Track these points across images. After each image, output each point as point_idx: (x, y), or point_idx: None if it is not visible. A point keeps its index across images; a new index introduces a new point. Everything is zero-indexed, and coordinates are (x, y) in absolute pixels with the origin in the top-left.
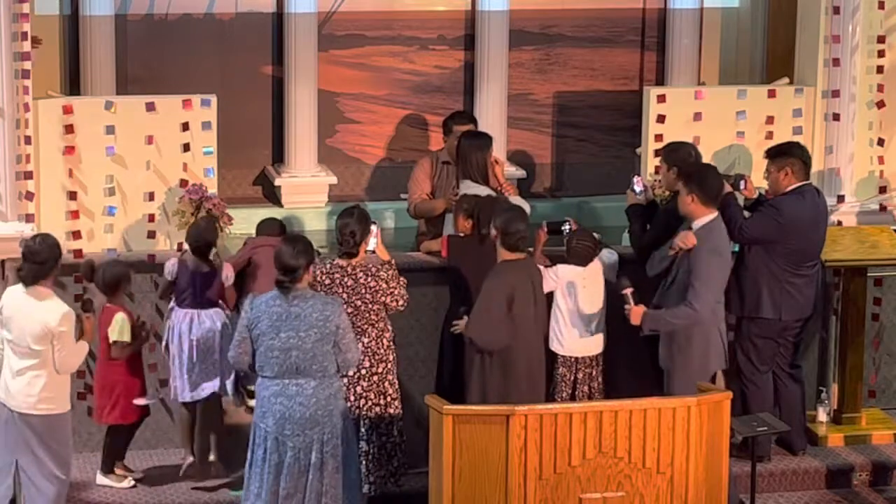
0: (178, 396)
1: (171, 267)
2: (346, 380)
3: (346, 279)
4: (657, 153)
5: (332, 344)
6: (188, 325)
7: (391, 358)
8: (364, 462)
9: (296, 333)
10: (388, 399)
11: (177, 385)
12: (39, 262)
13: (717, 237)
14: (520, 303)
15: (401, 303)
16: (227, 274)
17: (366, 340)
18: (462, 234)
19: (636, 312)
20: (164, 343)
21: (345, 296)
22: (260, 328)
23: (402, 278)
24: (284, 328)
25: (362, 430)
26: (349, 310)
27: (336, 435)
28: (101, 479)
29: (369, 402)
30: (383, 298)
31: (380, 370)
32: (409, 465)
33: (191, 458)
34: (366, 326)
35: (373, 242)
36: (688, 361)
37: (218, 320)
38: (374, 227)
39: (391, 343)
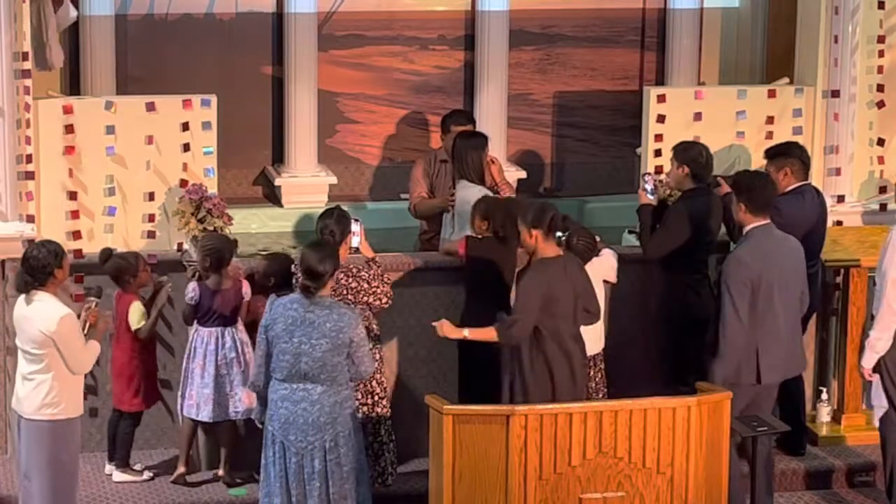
0: (192, 413)
1: (192, 292)
2: None
3: None
4: (657, 153)
5: (344, 355)
6: (214, 345)
7: (378, 357)
8: None
9: (308, 340)
10: (376, 398)
11: (192, 402)
12: (33, 269)
13: (746, 245)
14: (561, 301)
15: (384, 300)
16: (246, 290)
17: None
18: (479, 236)
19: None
20: (185, 359)
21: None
22: (275, 330)
23: (386, 276)
24: (298, 333)
25: None
26: None
27: (341, 444)
28: (119, 477)
29: (356, 403)
30: (366, 298)
31: None
32: (397, 464)
33: (182, 469)
34: None
35: (356, 241)
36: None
37: (238, 339)
38: (357, 226)
39: (377, 342)
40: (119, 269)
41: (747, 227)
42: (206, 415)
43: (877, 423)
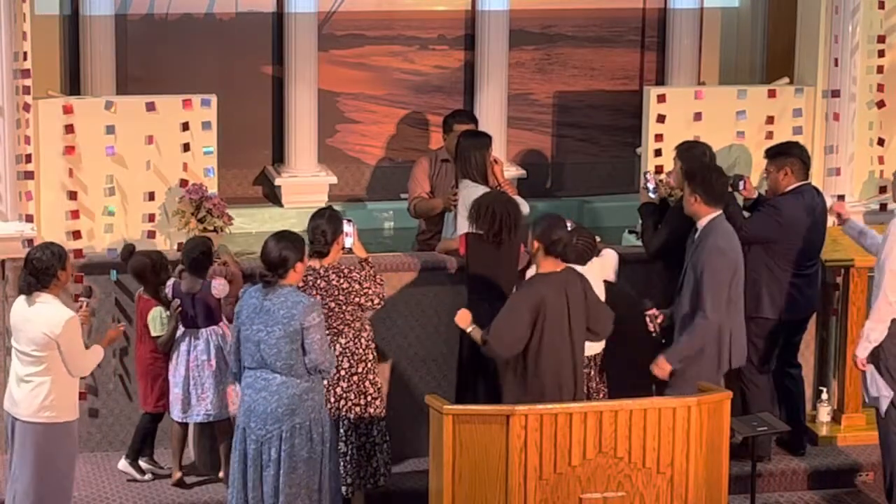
0: (170, 413)
1: (167, 289)
2: (326, 381)
3: (318, 281)
4: (657, 153)
5: (299, 343)
6: (186, 346)
7: (370, 357)
8: (342, 463)
9: (264, 327)
10: (369, 399)
11: (169, 401)
12: (37, 272)
13: (718, 235)
14: (551, 319)
15: (376, 301)
16: (218, 286)
17: (343, 341)
18: (479, 232)
19: (661, 367)
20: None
21: (318, 298)
22: (241, 318)
23: (378, 277)
24: (257, 321)
25: (342, 430)
26: (323, 311)
27: (297, 435)
28: (123, 465)
29: (349, 403)
30: (357, 299)
31: (359, 370)
32: (391, 465)
33: (179, 474)
34: (342, 327)
35: (348, 241)
36: (701, 366)
37: (212, 341)
38: (349, 227)
39: (370, 342)
40: (142, 267)
41: (705, 219)
42: (175, 414)
43: (884, 412)
